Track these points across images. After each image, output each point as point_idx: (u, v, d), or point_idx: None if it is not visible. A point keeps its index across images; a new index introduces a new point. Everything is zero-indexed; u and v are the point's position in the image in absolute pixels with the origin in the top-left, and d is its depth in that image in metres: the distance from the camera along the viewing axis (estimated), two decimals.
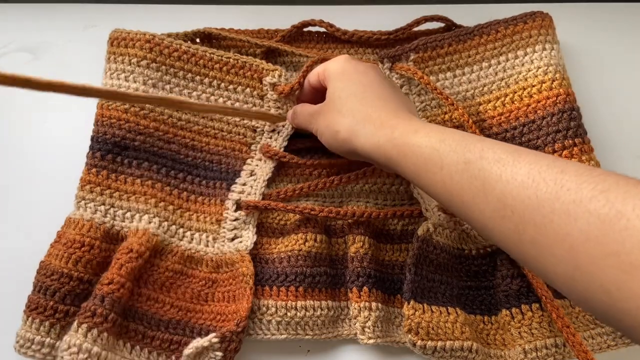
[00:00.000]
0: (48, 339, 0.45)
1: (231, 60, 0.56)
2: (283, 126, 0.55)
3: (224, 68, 0.56)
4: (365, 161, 0.47)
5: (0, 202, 0.56)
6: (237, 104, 0.56)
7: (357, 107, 0.46)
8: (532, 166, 0.34)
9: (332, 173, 0.54)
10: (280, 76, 0.56)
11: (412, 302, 0.47)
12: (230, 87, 0.56)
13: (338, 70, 0.49)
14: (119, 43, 0.54)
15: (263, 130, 0.55)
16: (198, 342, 0.45)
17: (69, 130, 0.59)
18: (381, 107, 0.46)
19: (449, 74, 0.55)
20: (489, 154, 0.37)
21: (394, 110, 0.45)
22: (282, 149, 0.55)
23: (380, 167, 0.46)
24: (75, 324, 0.44)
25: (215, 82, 0.56)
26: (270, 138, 0.55)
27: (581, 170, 0.33)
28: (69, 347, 0.43)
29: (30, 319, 0.45)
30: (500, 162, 0.36)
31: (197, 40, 0.60)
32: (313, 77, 0.53)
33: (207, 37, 0.60)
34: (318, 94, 0.53)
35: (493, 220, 0.35)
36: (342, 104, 0.47)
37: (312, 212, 0.50)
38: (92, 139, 0.52)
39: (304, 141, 0.56)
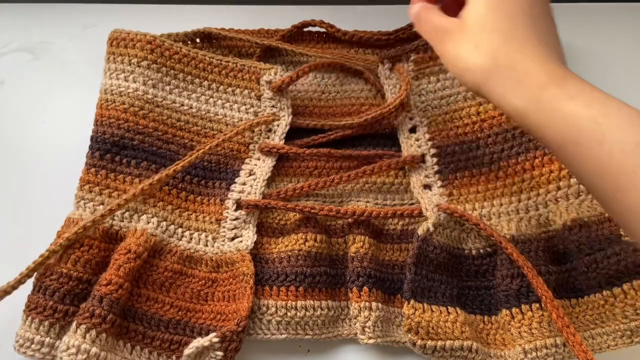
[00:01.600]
0: (48, 339, 0.45)
1: (230, 63, 0.56)
2: (278, 125, 0.55)
3: (223, 71, 0.56)
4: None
5: (0, 202, 0.56)
6: (235, 106, 0.56)
7: (501, 48, 0.37)
8: None
9: (331, 168, 0.54)
10: (276, 74, 0.56)
11: (412, 301, 0.47)
12: (229, 89, 0.56)
13: None
14: (119, 43, 0.54)
15: (261, 130, 0.55)
16: (198, 342, 0.44)
17: (68, 130, 0.59)
18: (530, 53, 0.37)
19: (449, 75, 0.56)
20: None
21: (545, 58, 0.37)
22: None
23: (511, 122, 0.40)
24: (74, 324, 0.44)
25: (214, 85, 0.56)
26: (268, 138, 0.55)
27: None
28: (68, 348, 0.43)
29: (29, 318, 0.45)
30: None
31: (197, 40, 0.60)
32: None
33: (207, 37, 0.60)
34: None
35: None
36: (481, 37, 0.38)
37: (312, 211, 0.50)
38: (92, 138, 0.52)
39: (300, 141, 0.56)
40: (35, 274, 0.47)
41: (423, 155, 0.54)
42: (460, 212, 0.50)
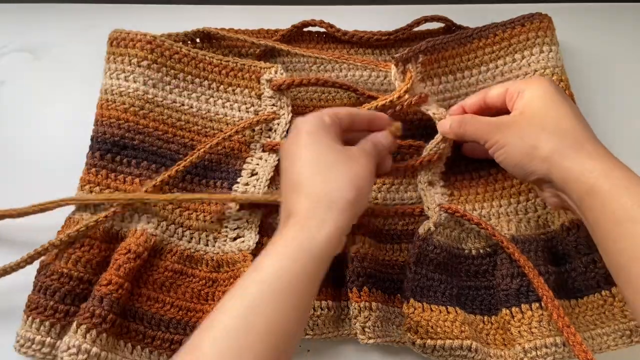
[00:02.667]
0: (48, 339, 0.45)
1: (230, 63, 0.56)
2: (278, 124, 0.55)
3: (223, 71, 0.56)
4: (542, 188, 0.45)
5: (0, 202, 0.56)
6: (236, 105, 0.56)
7: (568, 129, 0.43)
8: None
9: None
10: (276, 72, 0.56)
11: (411, 300, 0.47)
12: (229, 89, 0.56)
13: (542, 89, 0.46)
14: (119, 43, 0.54)
15: (262, 129, 0.55)
16: None
17: (69, 130, 0.59)
18: (592, 137, 0.43)
19: (450, 77, 0.55)
20: None
21: (600, 145, 0.43)
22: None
23: (566, 203, 0.43)
24: (74, 324, 0.44)
25: (214, 84, 0.56)
26: (269, 137, 0.55)
27: None
28: (69, 348, 0.43)
29: (30, 318, 0.45)
30: None
31: (197, 40, 0.60)
32: (496, 93, 0.49)
33: (207, 37, 0.60)
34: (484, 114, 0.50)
35: None
36: (547, 122, 0.44)
37: None
38: (92, 139, 0.52)
39: None
40: (39, 268, 0.47)
41: (440, 155, 0.54)
42: (462, 211, 0.50)
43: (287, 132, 0.55)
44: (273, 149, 0.54)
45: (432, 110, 0.53)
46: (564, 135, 0.43)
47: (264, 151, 0.55)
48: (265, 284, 0.37)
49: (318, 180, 0.42)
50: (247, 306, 0.36)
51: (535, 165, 0.44)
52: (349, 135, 0.47)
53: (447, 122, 0.51)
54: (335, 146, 0.44)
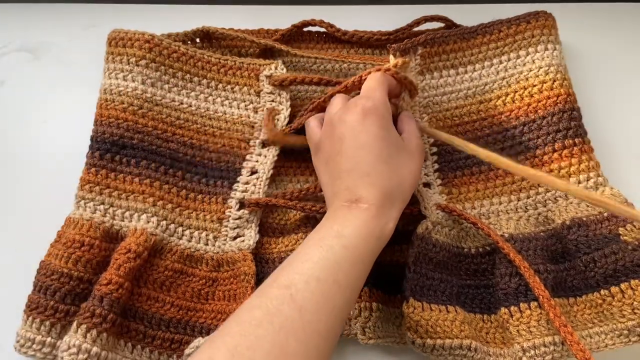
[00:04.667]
0: (49, 339, 0.45)
1: (229, 61, 0.57)
2: (277, 119, 0.55)
3: (222, 69, 0.56)
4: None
5: (0, 202, 0.56)
6: (235, 103, 0.56)
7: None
8: None
9: None
10: (276, 68, 0.56)
11: (411, 300, 0.47)
12: (228, 87, 0.56)
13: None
14: (117, 43, 0.55)
15: (261, 125, 0.55)
16: (199, 342, 0.45)
17: (69, 130, 0.59)
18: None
19: (452, 71, 0.56)
20: None
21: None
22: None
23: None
24: (74, 324, 0.44)
25: (213, 83, 0.56)
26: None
27: None
28: (69, 348, 0.43)
29: (30, 318, 0.45)
30: None
31: (197, 40, 0.60)
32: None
33: (207, 37, 0.60)
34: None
35: None
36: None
37: (313, 209, 0.51)
38: (92, 138, 0.52)
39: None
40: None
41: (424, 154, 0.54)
42: (459, 211, 0.50)
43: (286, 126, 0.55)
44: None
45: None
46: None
47: (263, 147, 0.55)
48: (349, 250, 0.41)
49: (385, 170, 0.44)
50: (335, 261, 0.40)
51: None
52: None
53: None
54: (399, 139, 0.47)
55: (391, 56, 0.56)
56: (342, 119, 0.46)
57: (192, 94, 0.56)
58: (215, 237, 0.51)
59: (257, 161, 0.54)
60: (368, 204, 0.43)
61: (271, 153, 0.54)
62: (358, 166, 0.44)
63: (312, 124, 0.51)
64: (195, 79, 0.56)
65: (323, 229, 0.43)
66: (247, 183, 0.53)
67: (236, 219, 0.52)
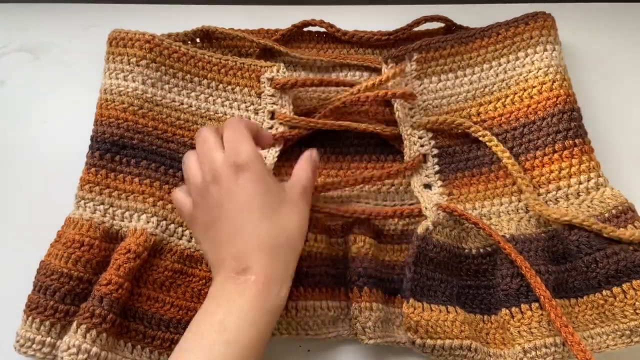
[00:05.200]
0: (48, 339, 0.45)
1: (229, 62, 0.56)
2: (280, 123, 0.55)
3: (223, 70, 0.56)
4: None
5: (0, 202, 0.56)
6: (235, 104, 0.56)
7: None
8: None
9: (331, 168, 0.55)
10: (278, 71, 0.56)
11: (411, 300, 0.47)
12: (229, 87, 0.56)
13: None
14: (118, 43, 0.54)
15: (262, 125, 0.55)
16: None
17: (69, 130, 0.59)
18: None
19: (450, 75, 0.56)
20: None
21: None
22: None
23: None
24: (74, 324, 0.44)
25: (213, 84, 0.56)
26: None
27: None
28: (69, 348, 0.43)
29: (30, 318, 0.45)
30: None
31: (197, 40, 0.60)
32: None
33: (207, 37, 0.60)
34: None
35: None
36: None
37: (313, 209, 0.50)
38: (92, 138, 0.52)
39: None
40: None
41: (425, 155, 0.54)
42: (460, 211, 0.50)
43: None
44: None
45: (406, 128, 0.54)
46: None
47: (263, 148, 0.55)
48: (232, 345, 0.38)
49: (271, 227, 0.41)
50: None
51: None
52: None
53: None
54: (281, 190, 0.43)
55: (384, 65, 0.56)
56: (214, 182, 0.43)
57: (193, 94, 0.56)
58: None
59: None
60: (257, 275, 0.40)
61: (271, 154, 0.54)
62: (241, 230, 0.41)
63: (179, 195, 0.47)
64: (196, 79, 0.56)
65: (206, 318, 0.40)
66: None
67: None
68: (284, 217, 0.42)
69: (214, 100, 0.56)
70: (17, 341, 0.45)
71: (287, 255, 0.42)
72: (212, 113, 0.56)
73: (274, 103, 0.55)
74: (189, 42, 0.60)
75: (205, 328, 0.39)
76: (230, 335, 0.38)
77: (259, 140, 0.47)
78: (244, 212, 0.41)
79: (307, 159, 0.47)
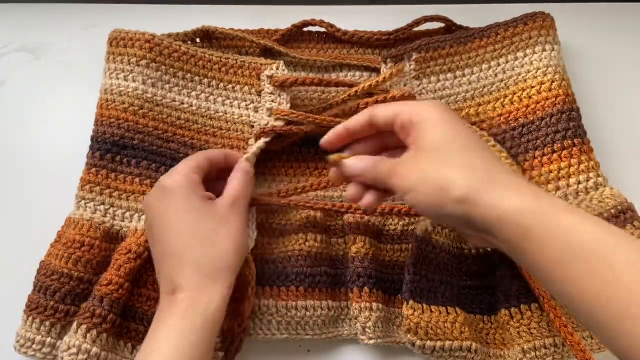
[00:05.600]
0: (48, 339, 0.45)
1: (230, 60, 0.56)
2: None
3: (223, 68, 0.56)
4: (461, 232, 0.40)
5: (0, 202, 0.56)
6: (235, 102, 0.56)
7: (477, 163, 0.36)
8: None
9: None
10: (278, 68, 0.56)
11: (411, 301, 0.47)
12: (229, 86, 0.56)
13: (438, 116, 0.38)
14: (118, 43, 0.54)
15: (260, 123, 0.55)
16: None
17: (69, 130, 0.59)
18: (503, 168, 0.37)
19: (449, 75, 0.56)
20: None
21: (515, 174, 0.38)
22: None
23: (495, 243, 0.36)
24: (74, 324, 0.44)
25: (214, 82, 0.56)
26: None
27: None
28: (69, 348, 0.43)
29: (30, 318, 0.46)
30: None
31: (197, 40, 0.60)
32: (382, 117, 0.41)
33: (207, 37, 0.60)
34: (375, 141, 0.44)
35: None
36: (453, 156, 0.37)
37: (308, 204, 0.50)
38: (92, 138, 0.52)
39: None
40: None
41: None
42: None
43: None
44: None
45: None
46: (474, 169, 0.36)
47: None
48: None
49: (198, 248, 0.42)
50: None
51: (450, 209, 0.36)
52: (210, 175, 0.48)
53: (333, 175, 0.43)
54: (208, 207, 0.44)
55: (383, 64, 0.56)
56: (146, 203, 0.45)
57: (193, 93, 0.56)
58: None
59: None
60: (184, 293, 0.40)
61: (257, 145, 0.52)
62: (169, 249, 0.42)
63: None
64: (196, 78, 0.56)
65: (148, 338, 0.40)
66: None
67: None
68: (212, 234, 0.43)
69: (214, 99, 0.56)
70: (17, 341, 0.46)
71: (218, 270, 0.42)
72: (212, 112, 0.56)
73: (272, 100, 0.55)
74: (189, 42, 0.60)
75: (148, 349, 0.40)
76: (163, 355, 0.39)
77: (228, 164, 0.49)
78: (170, 231, 0.43)
79: (238, 168, 0.48)
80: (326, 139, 0.44)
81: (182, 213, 0.43)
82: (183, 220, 0.42)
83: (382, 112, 0.41)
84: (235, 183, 0.47)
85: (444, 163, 0.37)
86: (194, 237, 0.42)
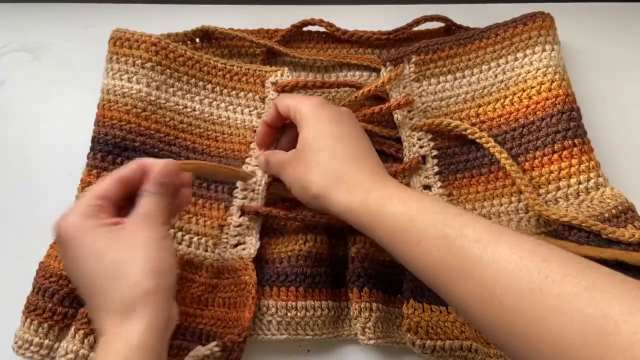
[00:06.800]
0: (47, 341, 0.45)
1: (235, 67, 0.56)
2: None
3: (228, 75, 0.56)
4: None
5: (0, 203, 0.56)
6: (239, 108, 0.56)
7: (328, 164, 0.44)
8: (514, 250, 0.33)
9: None
10: (282, 75, 0.56)
11: (411, 301, 0.47)
12: (233, 92, 0.56)
13: (312, 116, 0.46)
14: (123, 44, 0.54)
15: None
16: (199, 351, 0.44)
17: (69, 130, 0.59)
18: (353, 166, 0.44)
19: (449, 77, 0.56)
20: (468, 231, 0.36)
21: (368, 169, 0.44)
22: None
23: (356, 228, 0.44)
24: (72, 329, 0.44)
25: (218, 88, 0.56)
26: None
27: (565, 261, 0.32)
28: (66, 353, 0.43)
29: (29, 320, 0.45)
30: (481, 242, 0.35)
31: (197, 40, 0.60)
32: (284, 107, 0.49)
33: (207, 36, 0.60)
34: (280, 124, 0.52)
35: (476, 305, 0.34)
36: (312, 158, 0.45)
37: (313, 219, 0.50)
38: (93, 139, 0.52)
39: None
40: None
41: (424, 157, 0.54)
42: None
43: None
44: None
45: (405, 130, 0.55)
46: (326, 171, 0.44)
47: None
48: None
49: (105, 287, 0.38)
50: None
51: (313, 203, 0.45)
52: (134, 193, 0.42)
53: (260, 157, 0.52)
54: (113, 236, 0.39)
55: (382, 68, 0.56)
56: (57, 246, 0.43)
57: (197, 98, 0.55)
58: (214, 244, 0.51)
59: (256, 165, 0.53)
60: (103, 337, 0.37)
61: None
62: (82, 294, 0.40)
63: None
64: (201, 83, 0.56)
65: None
66: (245, 189, 0.52)
67: (237, 226, 0.51)
68: (121, 264, 0.38)
69: (217, 104, 0.56)
70: (16, 342, 0.46)
71: (133, 303, 0.37)
72: (215, 117, 0.56)
73: None
74: (189, 42, 0.59)
75: None
76: None
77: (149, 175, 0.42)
78: (78, 280, 0.39)
79: (148, 181, 0.42)
80: (256, 139, 0.53)
81: (81, 258, 0.38)
82: (82, 266, 0.38)
83: (280, 105, 0.49)
84: (144, 200, 0.41)
85: (307, 165, 0.45)
86: (98, 277, 0.38)
